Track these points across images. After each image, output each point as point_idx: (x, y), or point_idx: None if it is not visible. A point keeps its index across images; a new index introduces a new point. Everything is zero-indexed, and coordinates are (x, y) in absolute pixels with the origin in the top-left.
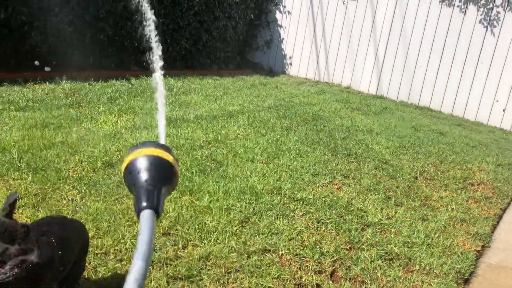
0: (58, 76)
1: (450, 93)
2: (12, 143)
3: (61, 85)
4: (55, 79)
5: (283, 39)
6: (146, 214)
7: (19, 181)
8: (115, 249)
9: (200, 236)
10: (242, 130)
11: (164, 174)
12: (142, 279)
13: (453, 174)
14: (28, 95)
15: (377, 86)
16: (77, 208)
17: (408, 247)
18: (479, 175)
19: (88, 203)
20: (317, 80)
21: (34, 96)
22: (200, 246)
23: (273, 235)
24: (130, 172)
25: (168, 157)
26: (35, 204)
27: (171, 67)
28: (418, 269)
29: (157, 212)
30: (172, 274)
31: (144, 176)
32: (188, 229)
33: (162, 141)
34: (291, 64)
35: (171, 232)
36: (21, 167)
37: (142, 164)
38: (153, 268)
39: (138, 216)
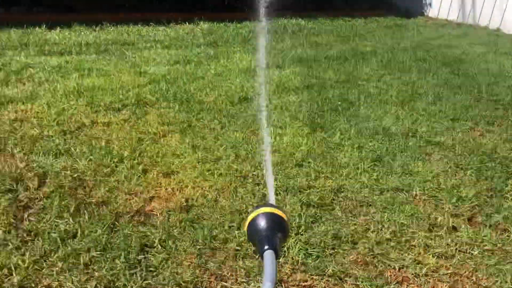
0: (197, 17)
1: None
2: (160, 77)
3: (199, 25)
4: (194, 20)
5: None
6: (268, 254)
7: (168, 109)
8: (252, 174)
9: (331, 170)
10: (375, 71)
11: (279, 226)
12: None
13: None
14: (171, 34)
15: None
16: (218, 137)
17: None
18: None
19: (228, 133)
20: (460, 22)
21: (176, 35)
22: (332, 179)
23: (407, 176)
24: (253, 226)
25: (281, 213)
26: (182, 130)
27: (303, 9)
28: None
29: (276, 253)
30: (305, 201)
31: (264, 227)
32: (319, 163)
33: (272, 201)
34: (430, 4)
35: (303, 164)
36: (169, 98)
37: (262, 220)
38: (287, 194)
39: (262, 257)
